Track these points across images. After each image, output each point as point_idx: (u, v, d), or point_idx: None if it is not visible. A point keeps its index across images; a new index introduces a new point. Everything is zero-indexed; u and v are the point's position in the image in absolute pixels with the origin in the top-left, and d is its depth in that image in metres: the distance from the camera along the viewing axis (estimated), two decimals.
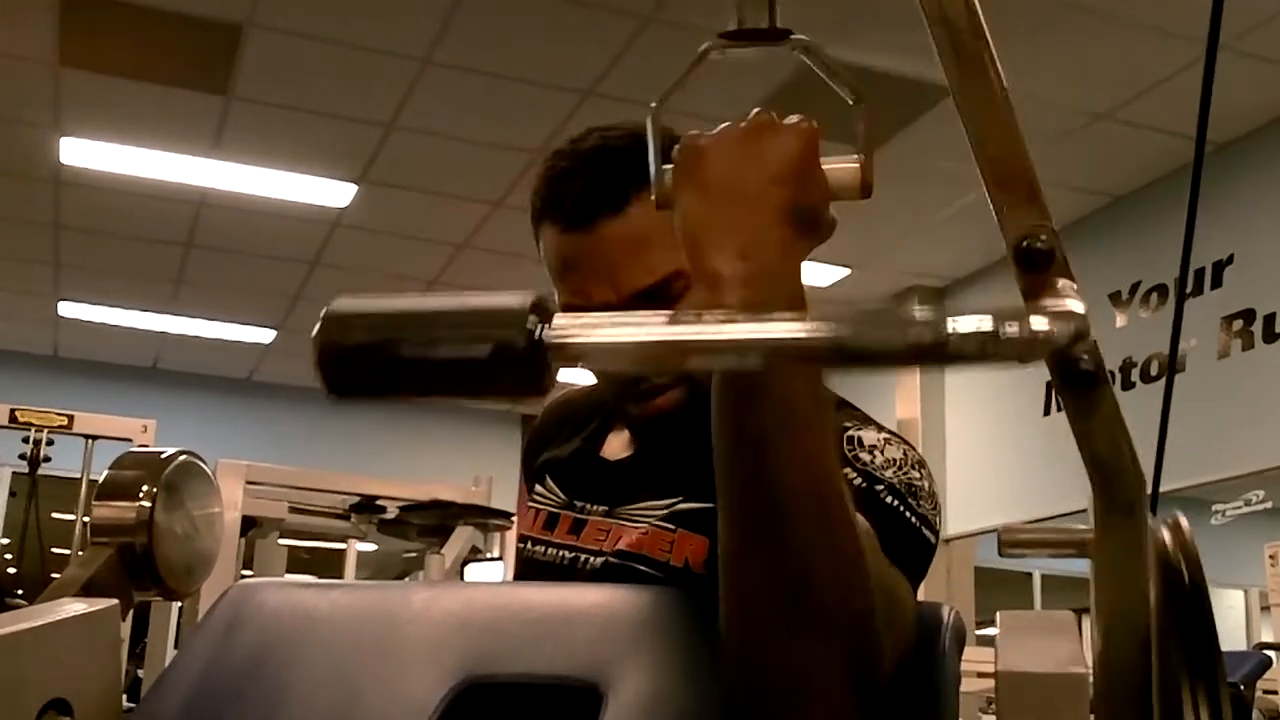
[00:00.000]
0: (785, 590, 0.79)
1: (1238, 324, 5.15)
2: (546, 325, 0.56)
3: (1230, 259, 5.20)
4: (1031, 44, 4.52)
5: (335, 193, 6.06)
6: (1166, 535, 0.67)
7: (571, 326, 0.57)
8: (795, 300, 0.77)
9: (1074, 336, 0.57)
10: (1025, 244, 0.65)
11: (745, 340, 0.57)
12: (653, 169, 0.82)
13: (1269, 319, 5.02)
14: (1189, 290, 5.30)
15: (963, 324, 0.54)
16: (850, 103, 0.79)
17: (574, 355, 0.57)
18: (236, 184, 5.97)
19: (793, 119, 0.81)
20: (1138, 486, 0.70)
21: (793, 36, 0.77)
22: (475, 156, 5.55)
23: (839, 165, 0.79)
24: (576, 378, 1.20)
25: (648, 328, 0.57)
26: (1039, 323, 0.55)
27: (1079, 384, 0.67)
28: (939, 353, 0.54)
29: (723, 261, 0.77)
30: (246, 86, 5.07)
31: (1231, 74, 4.60)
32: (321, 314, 0.60)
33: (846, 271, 6.75)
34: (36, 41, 4.76)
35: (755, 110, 0.81)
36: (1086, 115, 5.10)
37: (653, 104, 0.84)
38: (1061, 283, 0.63)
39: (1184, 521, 0.68)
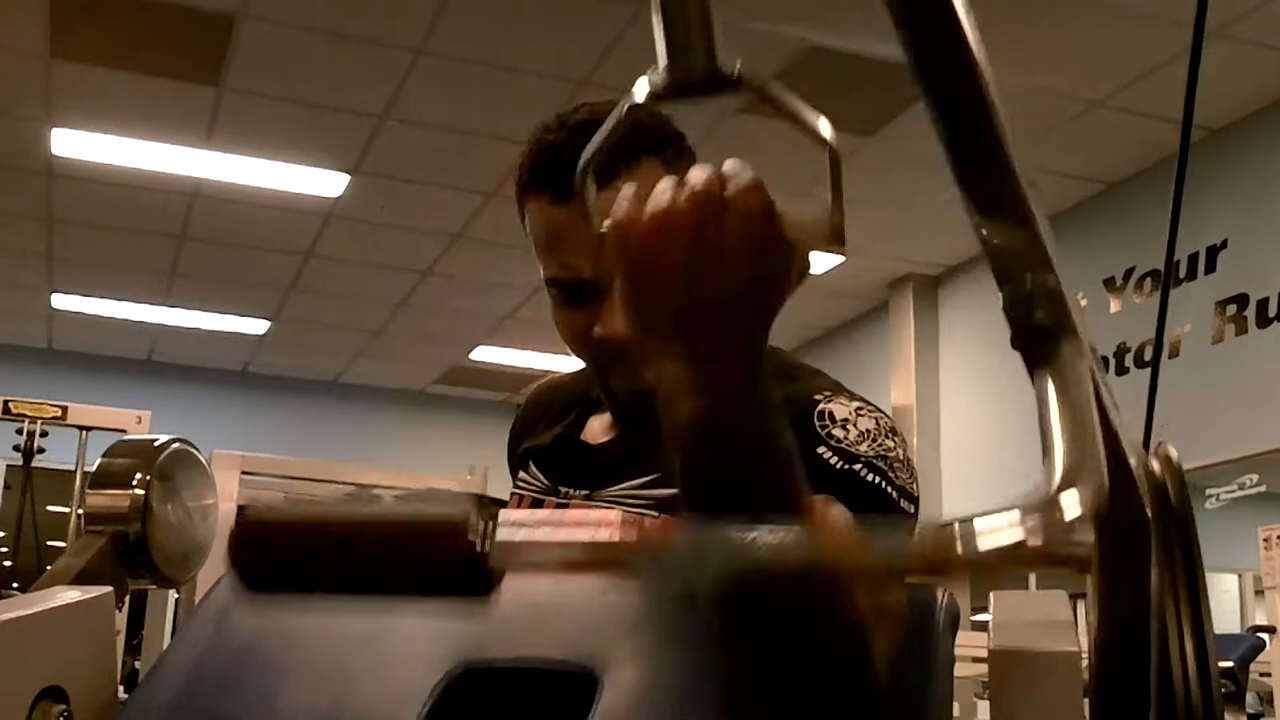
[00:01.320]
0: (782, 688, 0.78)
1: (1231, 309, 5.15)
2: (490, 532, 0.50)
3: (1224, 244, 5.21)
4: (1026, 32, 4.51)
5: (328, 183, 6.05)
6: (1156, 466, 0.67)
7: (515, 534, 0.51)
8: (756, 403, 0.71)
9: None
10: (1025, 318, 0.58)
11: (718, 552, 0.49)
12: (592, 211, 0.74)
13: (1262, 303, 5.03)
14: (1183, 276, 5.30)
15: (979, 532, 0.47)
16: (825, 140, 0.67)
17: (518, 565, 0.51)
18: (230, 175, 5.96)
19: (735, 174, 0.69)
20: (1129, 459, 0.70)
21: (743, 80, 0.64)
22: (468, 147, 5.54)
23: (806, 216, 0.69)
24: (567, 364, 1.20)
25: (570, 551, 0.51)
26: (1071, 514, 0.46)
27: (1051, 363, 0.60)
28: (956, 568, 0.48)
29: (671, 368, 0.71)
30: (239, 77, 5.06)
31: (1225, 60, 4.60)
32: (238, 520, 0.55)
33: (841, 259, 6.74)
34: (28, 34, 4.75)
35: (694, 171, 0.70)
36: (1081, 102, 5.10)
37: (604, 105, 0.76)
38: (1070, 368, 0.56)
39: (1173, 452, 0.68)
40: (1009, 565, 0.45)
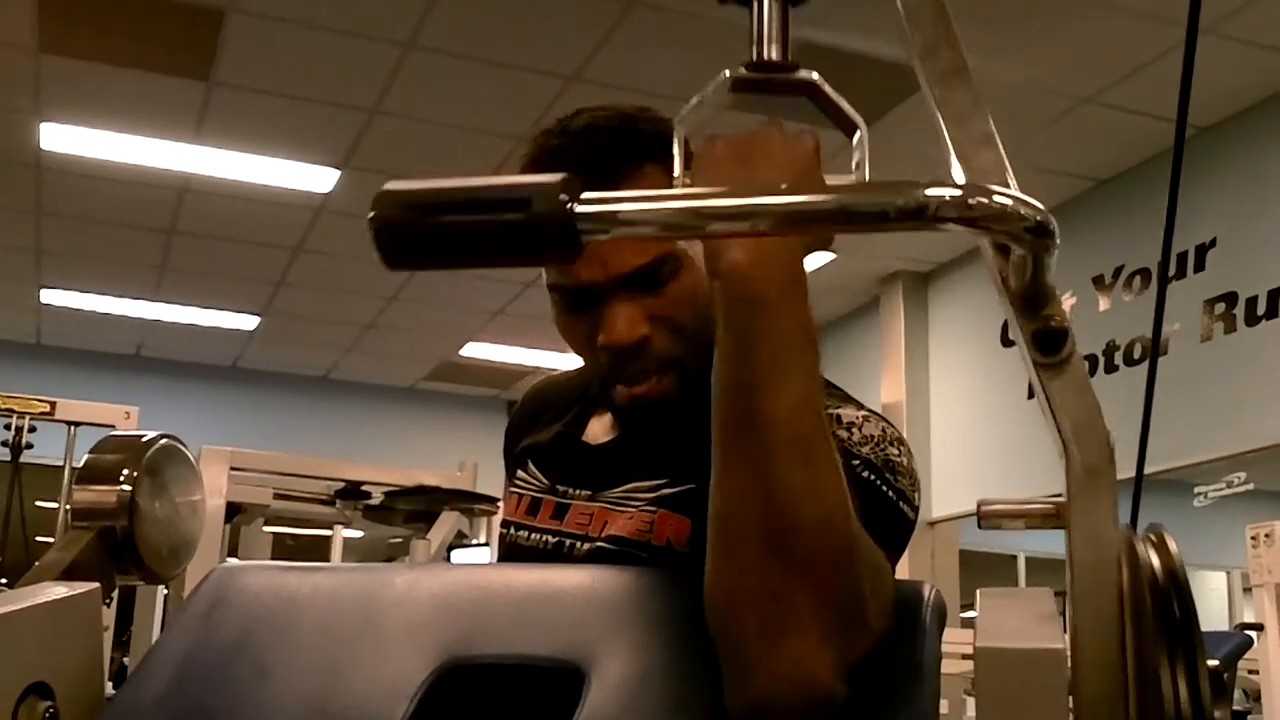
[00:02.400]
0: (770, 526, 0.82)
1: (1220, 307, 5.17)
2: (576, 200, 0.63)
3: (1213, 242, 5.22)
4: (1016, 28, 4.52)
5: (318, 178, 6.04)
6: (1154, 556, 0.68)
7: (599, 199, 0.64)
8: (796, 274, 0.86)
9: (1035, 227, 0.64)
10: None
11: (759, 206, 0.65)
12: (678, 169, 0.84)
13: (1251, 302, 5.04)
14: (1172, 274, 5.32)
15: (935, 194, 0.63)
16: (857, 130, 0.84)
17: (602, 221, 0.64)
18: (219, 170, 5.95)
19: (800, 128, 0.88)
20: (1105, 447, 0.72)
21: (800, 73, 0.82)
22: (459, 142, 5.53)
23: (839, 180, 0.82)
24: (567, 361, 1.20)
25: (669, 201, 0.66)
26: (1001, 199, 0.64)
27: (1048, 345, 0.72)
28: (919, 215, 0.63)
29: (737, 248, 0.84)
30: (229, 72, 5.05)
31: (1215, 57, 4.61)
32: (376, 194, 0.66)
33: (831, 255, 6.75)
34: (16, 27, 4.73)
35: (768, 122, 0.88)
36: (1070, 99, 5.11)
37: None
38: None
39: (1169, 537, 0.69)
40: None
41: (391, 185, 0.66)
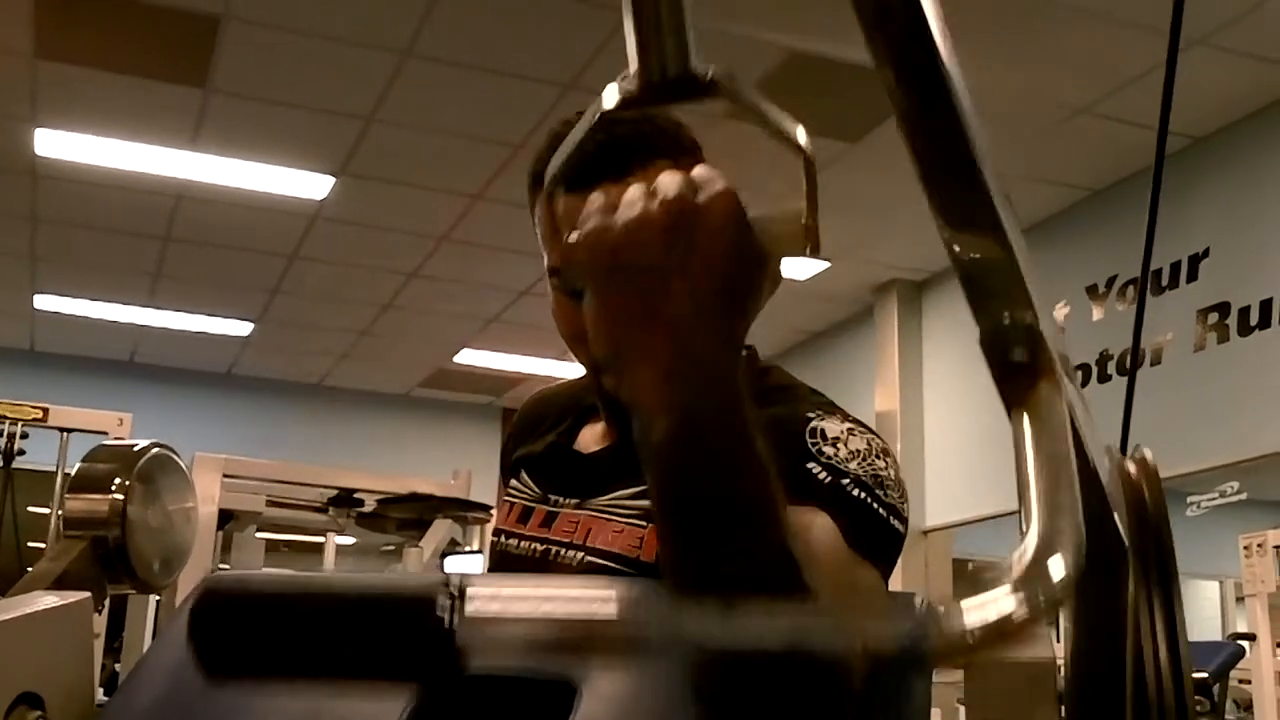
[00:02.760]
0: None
1: (1213, 317, 5.18)
2: (459, 607, 0.48)
3: (1206, 252, 5.23)
4: (1009, 39, 4.53)
5: (314, 185, 6.03)
6: (1132, 469, 0.67)
7: (487, 606, 0.49)
8: (726, 395, 0.70)
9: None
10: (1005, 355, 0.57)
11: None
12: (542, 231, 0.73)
13: (1244, 311, 5.05)
14: (1165, 284, 5.33)
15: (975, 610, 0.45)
16: (800, 149, 0.67)
17: (488, 645, 0.49)
18: (215, 176, 5.94)
19: (706, 181, 0.69)
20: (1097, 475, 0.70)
21: (718, 85, 0.62)
22: (455, 149, 5.54)
23: (781, 223, 0.69)
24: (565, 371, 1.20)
25: (567, 607, 0.49)
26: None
27: (1023, 382, 0.62)
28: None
29: (644, 380, 0.69)
30: (224, 79, 5.05)
31: (1208, 68, 4.63)
32: (200, 590, 0.53)
33: (826, 264, 6.76)
34: (12, 33, 4.73)
35: (664, 178, 0.70)
36: (1064, 110, 5.12)
37: (546, 171, 0.77)
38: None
39: (1149, 455, 0.68)
40: (1001, 643, 0.43)
41: (217, 584, 0.55)
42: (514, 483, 1.26)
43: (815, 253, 0.67)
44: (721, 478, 0.70)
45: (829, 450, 1.00)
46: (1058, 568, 0.44)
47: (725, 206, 0.68)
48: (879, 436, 1.06)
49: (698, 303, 0.67)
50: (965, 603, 0.43)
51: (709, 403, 0.69)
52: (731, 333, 0.70)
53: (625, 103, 0.62)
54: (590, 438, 1.23)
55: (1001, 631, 0.43)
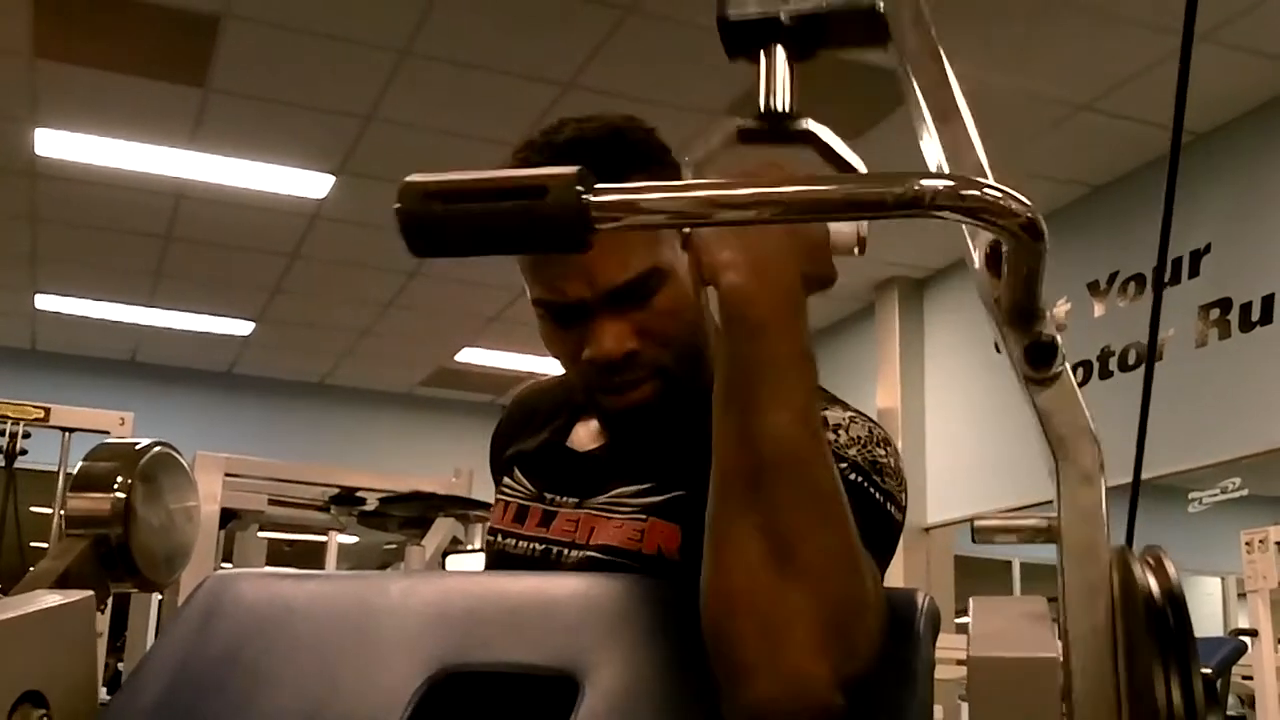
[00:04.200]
0: (770, 541, 0.82)
1: (1215, 313, 5.18)
2: (590, 191, 0.66)
3: (1208, 248, 5.23)
4: (1012, 36, 4.53)
5: (314, 184, 6.03)
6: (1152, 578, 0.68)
7: (612, 190, 0.67)
8: (794, 298, 0.85)
9: (1025, 224, 0.67)
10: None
11: (767, 195, 0.68)
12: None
13: (1245, 308, 5.05)
14: (1167, 280, 5.32)
15: (930, 185, 0.66)
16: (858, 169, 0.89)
17: (615, 211, 0.67)
18: (214, 176, 5.94)
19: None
20: (1095, 458, 0.72)
21: (802, 123, 0.86)
22: (454, 148, 5.53)
23: (839, 225, 0.88)
24: (549, 369, 1.20)
25: (680, 191, 0.69)
26: (993, 192, 0.66)
27: (1039, 359, 0.72)
28: (916, 204, 0.66)
29: (730, 253, 0.84)
30: (224, 78, 5.05)
31: (1211, 64, 4.62)
32: (401, 185, 0.69)
33: None
34: (11, 33, 4.73)
35: (769, 162, 0.84)
36: (1066, 106, 5.12)
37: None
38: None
39: (1168, 561, 0.69)
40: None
41: (415, 177, 0.69)
42: (507, 480, 1.25)
43: (863, 252, 0.89)
44: (777, 362, 0.85)
45: (830, 436, 1.00)
46: None
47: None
48: (880, 426, 1.07)
49: (779, 240, 0.85)
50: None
51: (779, 307, 0.85)
52: (802, 282, 0.87)
53: (740, 135, 0.86)
54: (585, 435, 1.22)
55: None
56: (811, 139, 0.86)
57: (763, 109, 0.84)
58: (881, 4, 0.83)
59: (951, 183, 0.67)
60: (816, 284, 0.87)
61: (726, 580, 0.84)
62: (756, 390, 0.84)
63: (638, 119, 1.14)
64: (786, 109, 0.84)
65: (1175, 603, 0.65)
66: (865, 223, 0.88)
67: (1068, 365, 0.72)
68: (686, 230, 0.88)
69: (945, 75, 0.83)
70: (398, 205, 0.69)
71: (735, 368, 0.85)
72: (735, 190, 0.69)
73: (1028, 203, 0.67)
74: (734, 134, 0.86)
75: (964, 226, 0.78)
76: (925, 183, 0.67)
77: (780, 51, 0.84)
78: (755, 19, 0.84)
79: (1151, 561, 0.68)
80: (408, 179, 0.69)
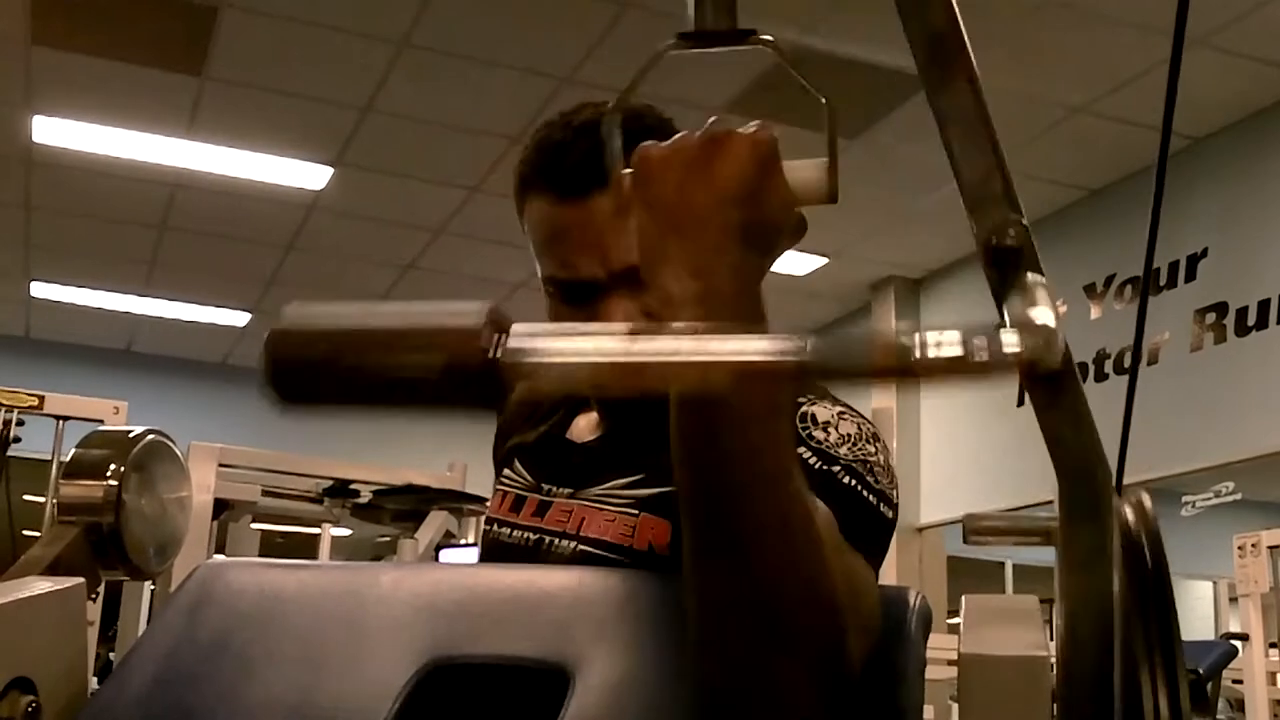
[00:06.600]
0: (753, 613, 0.79)
1: (1210, 317, 5.18)
2: (503, 341, 0.55)
3: (1204, 252, 5.24)
4: (1010, 38, 4.53)
5: (311, 175, 6.02)
6: (1130, 514, 0.67)
7: (528, 342, 0.55)
8: (753, 319, 0.75)
9: (1044, 350, 0.56)
10: (994, 241, 0.64)
11: (708, 361, 0.54)
12: (613, 172, 0.80)
13: (1241, 312, 5.06)
14: (1163, 284, 5.33)
15: (931, 344, 0.53)
16: (821, 100, 0.76)
17: (529, 374, 0.55)
18: (211, 166, 5.94)
19: (750, 127, 0.77)
20: (1105, 480, 0.70)
21: (755, 35, 0.73)
22: (452, 141, 5.53)
23: (804, 169, 0.76)
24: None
25: (606, 345, 0.55)
26: (1009, 341, 0.54)
27: (1046, 379, 0.66)
28: (906, 373, 0.54)
29: (673, 281, 0.75)
30: (221, 67, 5.04)
31: (1207, 69, 4.63)
32: (270, 328, 0.60)
33: (824, 261, 6.76)
34: (8, 19, 4.71)
35: (711, 120, 0.78)
36: (1063, 109, 5.12)
37: (608, 105, 0.83)
38: (1030, 278, 0.61)
39: (1147, 502, 0.68)
40: (953, 373, 0.52)
41: (289, 318, 0.60)
42: (507, 471, 1.26)
43: (834, 198, 0.75)
44: (750, 421, 0.76)
45: (819, 435, 1.00)
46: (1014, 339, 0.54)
47: (761, 143, 0.76)
48: (869, 421, 1.06)
49: (727, 221, 0.75)
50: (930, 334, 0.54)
51: (731, 315, 0.74)
52: (757, 257, 0.77)
53: (680, 41, 0.73)
54: (584, 427, 1.22)
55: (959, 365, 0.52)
56: (762, 41, 0.74)
57: (695, 26, 0.74)
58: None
59: (956, 350, 0.55)
60: (789, 238, 0.79)
61: (711, 650, 0.83)
62: (726, 450, 0.77)
63: (656, 107, 1.14)
64: (726, 23, 0.73)
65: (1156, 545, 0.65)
66: (833, 164, 0.76)
67: (1076, 376, 0.70)
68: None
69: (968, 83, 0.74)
70: (266, 348, 0.60)
71: (697, 424, 0.78)
72: (676, 353, 0.55)
73: (1050, 323, 0.58)
74: (660, 56, 0.75)
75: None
76: (925, 350, 0.55)
77: None
78: None
79: (1136, 500, 0.68)
80: (281, 319, 0.61)
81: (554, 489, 1.18)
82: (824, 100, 0.76)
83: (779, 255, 0.79)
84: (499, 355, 0.54)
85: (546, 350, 0.55)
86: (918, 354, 0.53)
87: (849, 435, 1.02)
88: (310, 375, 0.59)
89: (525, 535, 1.16)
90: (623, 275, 1.05)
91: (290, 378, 0.60)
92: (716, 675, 0.83)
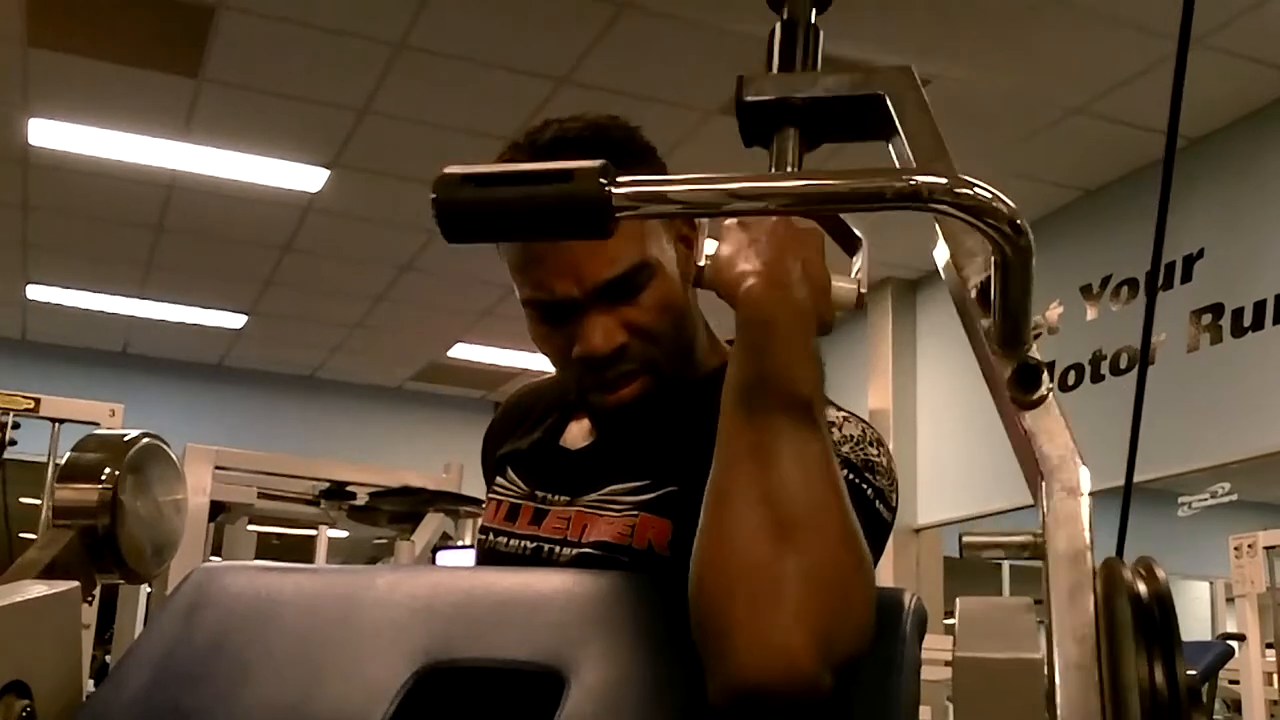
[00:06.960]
0: (769, 515, 0.83)
1: (1207, 318, 5.19)
2: (612, 183, 0.71)
3: (1200, 253, 5.24)
4: (1006, 38, 4.53)
5: (307, 177, 6.02)
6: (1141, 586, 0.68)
7: (633, 181, 0.72)
8: (804, 314, 0.91)
9: (1010, 222, 0.71)
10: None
11: (776, 188, 0.75)
12: (700, 259, 0.96)
13: (1238, 313, 5.06)
14: (1159, 285, 5.33)
15: (927, 181, 0.71)
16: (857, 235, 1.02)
17: (635, 199, 0.72)
18: (207, 167, 5.93)
19: (806, 223, 0.96)
20: (1079, 474, 0.73)
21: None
22: (449, 142, 5.53)
23: (840, 281, 0.95)
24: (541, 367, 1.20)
25: (695, 184, 0.73)
26: (983, 192, 0.70)
27: (1027, 380, 0.78)
28: (913, 198, 0.72)
29: (750, 265, 0.91)
30: (218, 69, 5.03)
31: (1203, 69, 4.63)
32: (438, 176, 0.74)
33: None
34: (4, 21, 4.71)
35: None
36: (1060, 109, 5.12)
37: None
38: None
39: (1159, 570, 0.70)
40: None
41: (451, 168, 0.74)
42: (500, 480, 1.26)
43: (861, 308, 0.96)
44: (788, 358, 0.90)
45: None
46: None
47: (816, 234, 0.97)
48: (872, 427, 1.07)
49: (794, 273, 0.92)
50: None
51: (789, 314, 0.91)
52: (810, 303, 0.93)
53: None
54: (577, 433, 1.22)
55: None
56: (822, 218, 0.95)
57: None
58: (885, 93, 0.93)
59: (946, 180, 0.71)
60: (817, 327, 0.92)
61: (722, 545, 0.85)
62: (768, 383, 0.88)
63: (621, 118, 1.15)
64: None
65: (1163, 605, 0.65)
66: (864, 280, 0.96)
67: (1055, 386, 0.74)
68: (701, 264, 0.95)
69: (950, 165, 0.89)
70: (434, 195, 0.73)
71: (749, 363, 0.89)
72: (746, 183, 0.74)
73: (1014, 205, 0.71)
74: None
75: (951, 272, 0.86)
76: (922, 179, 0.72)
77: (793, 134, 0.92)
78: (771, 101, 0.93)
79: (1143, 571, 0.68)
80: (446, 170, 0.74)
81: (550, 496, 1.18)
82: (858, 235, 1.00)
83: (812, 325, 0.92)
84: (610, 189, 0.71)
85: (646, 188, 0.73)
86: (917, 182, 0.73)
87: (851, 436, 1.04)
88: (471, 204, 0.73)
89: (523, 544, 1.16)
90: (598, 291, 1.07)
91: (451, 209, 0.73)
92: (719, 563, 0.84)
